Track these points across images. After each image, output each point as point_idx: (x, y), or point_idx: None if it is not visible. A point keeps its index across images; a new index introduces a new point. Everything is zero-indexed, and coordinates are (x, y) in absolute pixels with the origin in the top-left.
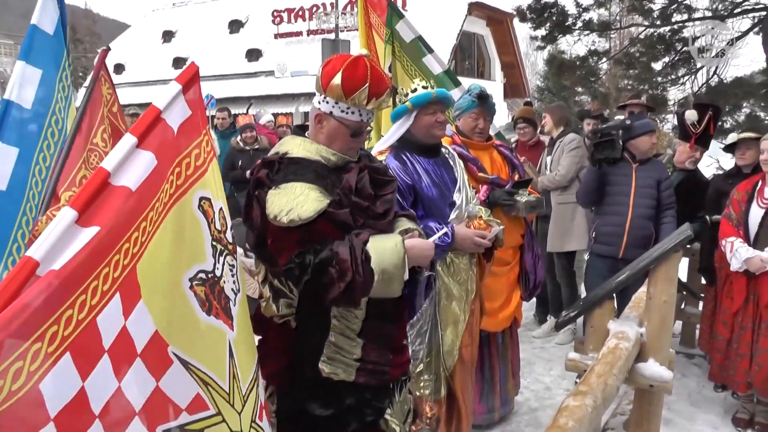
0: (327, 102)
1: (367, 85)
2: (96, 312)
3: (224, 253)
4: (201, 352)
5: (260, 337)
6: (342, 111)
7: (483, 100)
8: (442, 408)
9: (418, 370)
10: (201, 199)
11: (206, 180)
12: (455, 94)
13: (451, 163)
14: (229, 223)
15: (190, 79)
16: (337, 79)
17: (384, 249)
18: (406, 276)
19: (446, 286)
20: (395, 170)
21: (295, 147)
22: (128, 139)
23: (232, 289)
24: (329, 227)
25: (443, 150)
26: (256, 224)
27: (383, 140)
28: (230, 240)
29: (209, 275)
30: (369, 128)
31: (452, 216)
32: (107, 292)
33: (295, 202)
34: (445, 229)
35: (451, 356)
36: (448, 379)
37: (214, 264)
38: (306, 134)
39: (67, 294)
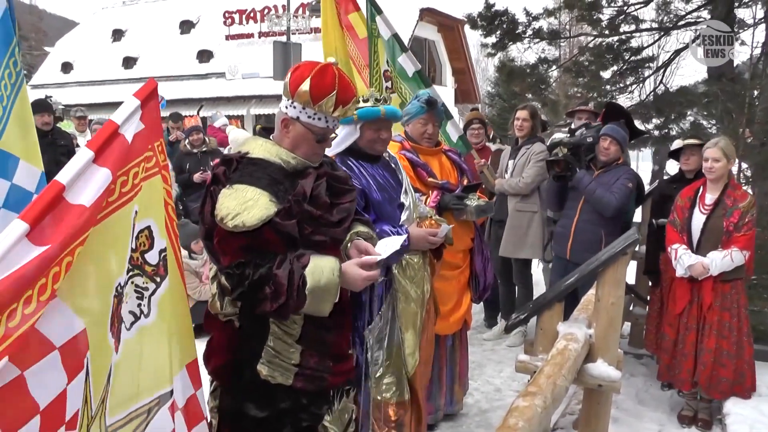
0: (294, 107)
1: (334, 92)
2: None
3: (132, 273)
4: (97, 367)
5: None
6: (309, 117)
7: (431, 106)
8: (407, 410)
9: (378, 374)
10: (135, 212)
11: (141, 196)
12: (424, 92)
13: (393, 166)
14: (156, 244)
15: (149, 95)
16: (306, 85)
17: (321, 274)
18: (336, 299)
19: (403, 288)
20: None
21: (256, 148)
22: (85, 154)
23: (131, 311)
24: (273, 237)
25: (384, 154)
26: (207, 219)
27: (332, 148)
28: (150, 261)
29: (119, 289)
30: (333, 135)
31: (403, 217)
32: (44, 303)
33: (243, 206)
34: (404, 236)
35: (413, 358)
36: (410, 381)
37: (126, 280)
38: (271, 137)
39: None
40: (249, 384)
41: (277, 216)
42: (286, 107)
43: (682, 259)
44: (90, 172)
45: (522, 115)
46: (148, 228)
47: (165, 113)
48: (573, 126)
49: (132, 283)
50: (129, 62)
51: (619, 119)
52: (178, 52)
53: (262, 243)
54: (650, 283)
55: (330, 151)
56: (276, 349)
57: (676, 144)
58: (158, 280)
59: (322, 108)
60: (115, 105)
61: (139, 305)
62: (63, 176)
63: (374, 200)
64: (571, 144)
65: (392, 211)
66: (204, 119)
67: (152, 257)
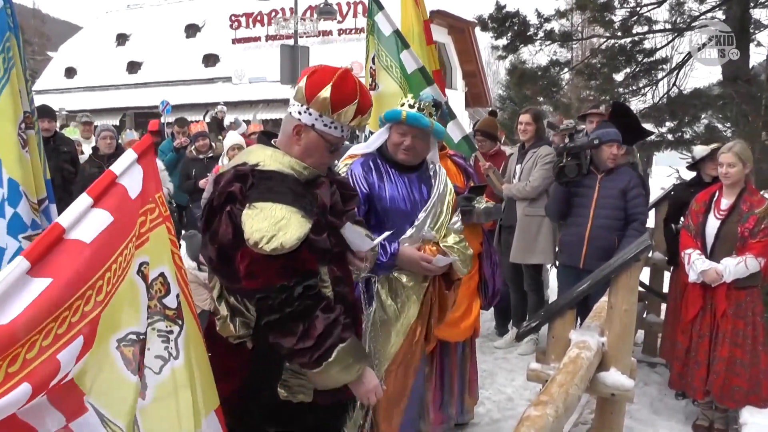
0: (310, 114)
1: (356, 101)
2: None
3: (152, 320)
4: (120, 407)
5: (209, 356)
6: (325, 125)
7: (436, 108)
8: None
9: None
10: (141, 264)
11: (148, 246)
12: (427, 92)
13: (433, 182)
14: (172, 289)
15: (145, 150)
16: (326, 92)
17: (347, 368)
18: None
19: (382, 304)
20: (356, 177)
21: (266, 158)
22: (84, 200)
23: (157, 356)
24: (308, 254)
25: (431, 168)
26: (222, 240)
27: (364, 145)
28: (169, 306)
29: (140, 337)
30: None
31: (407, 234)
32: (64, 335)
33: (276, 227)
34: (378, 239)
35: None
36: (373, 413)
37: (145, 329)
38: (273, 142)
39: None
40: (267, 407)
41: (311, 232)
42: (300, 113)
43: (695, 265)
44: (89, 214)
45: (524, 119)
46: (162, 275)
47: (171, 118)
48: (576, 129)
49: (153, 329)
50: (134, 67)
51: (625, 120)
52: (183, 57)
53: (299, 263)
54: (667, 291)
55: (360, 150)
56: (294, 368)
57: (700, 151)
58: (180, 323)
59: (340, 117)
60: (119, 110)
61: (166, 347)
62: (63, 219)
63: (382, 207)
64: (573, 149)
65: (400, 225)
66: (217, 122)
67: (171, 302)
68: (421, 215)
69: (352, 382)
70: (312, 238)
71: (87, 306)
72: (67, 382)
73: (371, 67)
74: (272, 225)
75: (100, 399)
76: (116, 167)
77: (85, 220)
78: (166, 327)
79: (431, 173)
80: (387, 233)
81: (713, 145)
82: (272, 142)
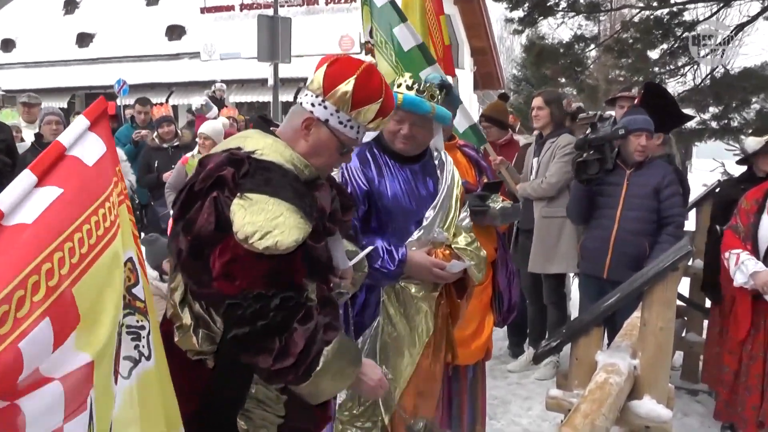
0: (326, 107)
1: (380, 101)
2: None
3: (124, 312)
4: (101, 411)
5: None
6: (341, 122)
7: (445, 93)
8: None
9: (350, 414)
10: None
11: (121, 228)
12: (427, 73)
13: (439, 173)
14: (141, 279)
15: (99, 116)
16: (348, 86)
17: (340, 373)
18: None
19: (390, 319)
20: (352, 171)
21: (266, 147)
22: (26, 178)
23: (126, 357)
24: (300, 263)
25: (436, 156)
26: (200, 231)
27: None
28: (139, 296)
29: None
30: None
31: (414, 237)
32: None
33: (273, 224)
34: (357, 257)
35: (387, 406)
36: (386, 430)
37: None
38: (273, 131)
39: None
40: None
41: (309, 238)
42: (313, 105)
43: (745, 265)
44: (32, 194)
45: (536, 102)
46: (130, 260)
47: (129, 100)
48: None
49: (123, 325)
50: (84, 39)
51: (660, 102)
52: (143, 28)
53: (288, 272)
54: (709, 303)
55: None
56: (259, 397)
57: (752, 144)
58: (149, 319)
59: (359, 115)
60: (68, 90)
61: (136, 347)
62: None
63: (384, 207)
64: (595, 141)
65: (405, 225)
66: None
67: (140, 292)
68: (430, 213)
69: (352, 384)
70: (310, 245)
71: (51, 281)
72: (86, 366)
73: (369, 43)
74: (268, 220)
75: (98, 391)
76: (65, 137)
77: (27, 200)
78: (137, 322)
79: (436, 162)
80: (368, 249)
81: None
82: (271, 129)
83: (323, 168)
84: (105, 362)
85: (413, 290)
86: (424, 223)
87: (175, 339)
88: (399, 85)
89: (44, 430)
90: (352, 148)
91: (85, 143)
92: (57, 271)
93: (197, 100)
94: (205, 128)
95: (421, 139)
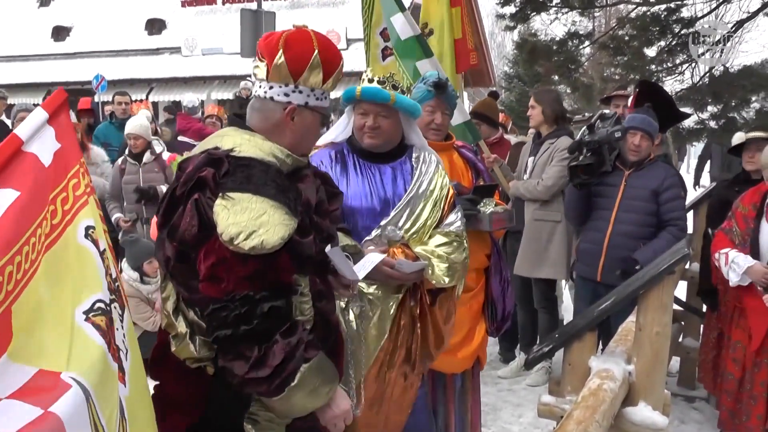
0: (300, 91)
1: (342, 62)
2: None
3: (112, 298)
4: (102, 391)
5: (156, 384)
6: (317, 98)
7: (441, 90)
8: None
9: None
10: (87, 228)
11: (88, 210)
12: (424, 65)
13: (415, 173)
14: (113, 271)
15: (58, 107)
16: (315, 62)
17: (314, 392)
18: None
19: (345, 321)
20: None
21: (244, 143)
22: None
23: (123, 341)
24: (287, 261)
25: (416, 157)
26: (184, 236)
27: (328, 133)
28: (116, 287)
29: (107, 307)
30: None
31: (371, 235)
32: None
33: (257, 222)
34: (382, 256)
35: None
36: None
37: (110, 298)
38: (249, 125)
39: None
40: None
41: (296, 233)
42: (287, 95)
43: (736, 263)
44: None
45: (530, 101)
46: (106, 251)
47: (107, 96)
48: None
49: (116, 309)
50: (60, 33)
51: (655, 99)
52: (122, 22)
53: (274, 271)
54: (705, 308)
55: (329, 138)
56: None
57: (737, 138)
58: (124, 308)
59: (329, 84)
60: (42, 86)
61: (123, 336)
62: None
63: (346, 207)
64: (592, 143)
65: (370, 225)
66: (176, 107)
67: (115, 284)
68: (392, 213)
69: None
70: (296, 240)
71: None
72: (33, 376)
73: (384, 29)
74: (252, 219)
75: (82, 371)
76: (22, 130)
77: None
78: (119, 312)
79: (413, 163)
80: (377, 260)
81: (752, 134)
82: (247, 125)
83: (308, 150)
84: (78, 358)
85: (369, 290)
86: (382, 222)
87: (172, 348)
88: (363, 81)
89: None
90: (329, 114)
91: (43, 137)
92: (4, 287)
93: (179, 97)
94: (131, 128)
95: (388, 130)
